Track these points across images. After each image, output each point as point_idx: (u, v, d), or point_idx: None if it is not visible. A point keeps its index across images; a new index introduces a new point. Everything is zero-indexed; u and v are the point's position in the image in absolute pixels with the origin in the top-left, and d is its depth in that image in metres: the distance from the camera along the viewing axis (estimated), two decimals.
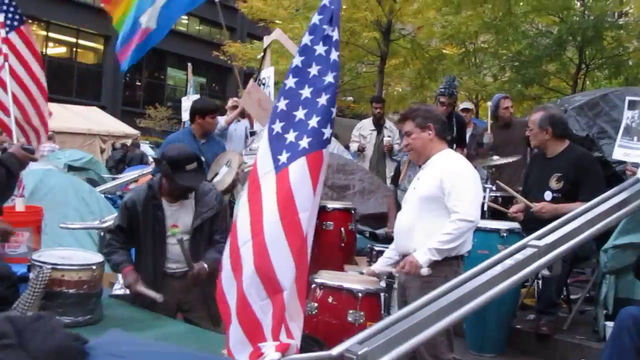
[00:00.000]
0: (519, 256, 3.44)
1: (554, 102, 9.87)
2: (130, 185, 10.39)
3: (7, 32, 5.88)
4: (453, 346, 3.88)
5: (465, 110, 9.46)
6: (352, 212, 6.16)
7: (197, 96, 14.92)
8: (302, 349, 3.03)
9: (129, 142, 17.46)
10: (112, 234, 4.34)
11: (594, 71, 15.82)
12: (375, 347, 2.82)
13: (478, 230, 4.27)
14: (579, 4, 15.20)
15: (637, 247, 4.45)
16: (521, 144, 7.05)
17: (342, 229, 5.94)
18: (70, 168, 12.42)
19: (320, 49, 3.02)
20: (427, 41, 16.41)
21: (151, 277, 4.24)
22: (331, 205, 6.06)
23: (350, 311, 3.79)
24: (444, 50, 16.81)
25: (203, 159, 6.24)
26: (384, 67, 15.25)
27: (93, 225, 6.24)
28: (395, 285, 4.55)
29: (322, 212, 5.95)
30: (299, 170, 2.90)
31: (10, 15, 5.87)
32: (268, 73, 7.31)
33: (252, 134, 7.39)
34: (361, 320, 3.78)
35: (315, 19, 3.07)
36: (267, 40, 7.53)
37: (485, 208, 5.61)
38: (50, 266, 3.68)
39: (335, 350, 2.91)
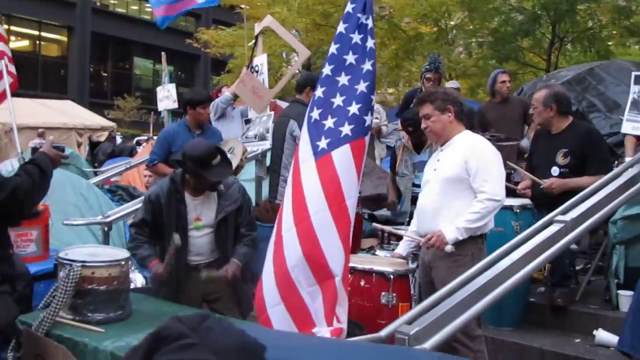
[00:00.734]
0: (547, 232, 3.52)
1: (540, 78, 10.01)
2: (112, 179, 10.29)
3: None
4: (481, 323, 3.98)
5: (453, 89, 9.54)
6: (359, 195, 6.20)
7: (173, 85, 14.77)
8: (347, 334, 3.09)
9: (105, 134, 17.23)
10: (136, 228, 4.32)
11: (567, 45, 16.02)
12: (425, 326, 2.88)
13: None
14: None
15: None
16: (518, 121, 7.16)
17: None
18: None
19: (355, 37, 3.07)
20: (401, 20, 16.42)
21: (175, 269, 4.26)
22: None
23: (383, 293, 3.86)
24: (420, 30, 16.85)
25: None
26: None
27: (96, 221, 6.20)
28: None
29: None
30: (344, 157, 2.95)
31: None
32: (261, 60, 7.29)
33: (247, 121, 7.37)
34: (394, 302, 3.86)
35: (349, 7, 3.11)
36: (258, 27, 7.49)
37: None
38: (80, 264, 3.67)
39: (384, 332, 2.96)
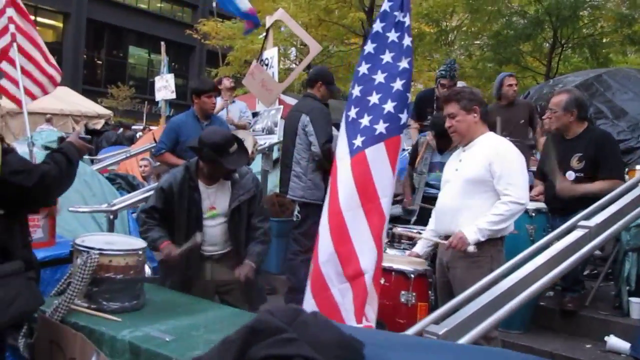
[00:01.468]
0: (572, 237, 3.51)
1: (546, 82, 10.02)
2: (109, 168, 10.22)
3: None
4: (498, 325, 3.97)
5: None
6: None
7: (171, 75, 14.69)
8: None
9: (101, 122, 17.11)
10: (146, 214, 4.27)
11: (567, 51, 16.08)
12: (453, 327, 2.86)
13: None
14: None
15: None
16: (523, 124, 7.16)
17: None
18: (47, 150, 12.12)
19: (392, 35, 3.05)
20: None
21: (187, 259, 4.22)
22: None
23: (403, 292, 3.84)
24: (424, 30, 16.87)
25: None
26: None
27: (102, 209, 6.14)
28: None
29: None
30: (378, 155, 2.93)
31: None
32: (271, 53, 7.26)
33: (255, 114, 7.33)
34: (413, 301, 3.84)
35: (386, 5, 3.09)
36: (269, 20, 7.45)
37: None
38: (97, 251, 3.63)
39: (411, 331, 2.94)
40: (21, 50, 6.08)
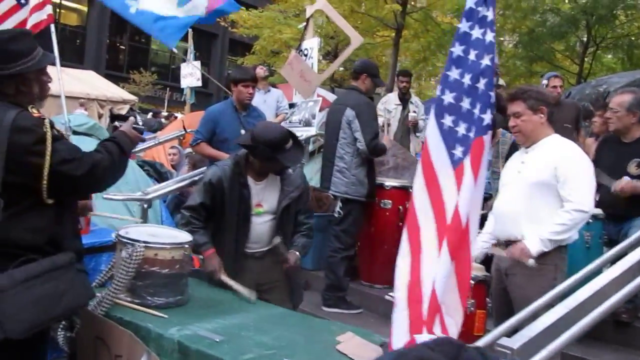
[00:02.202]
0: None
1: (588, 83, 9.78)
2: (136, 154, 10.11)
3: None
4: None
5: (498, 86, 9.28)
6: (410, 189, 6.03)
7: (198, 63, 14.59)
8: None
9: (126, 107, 17.03)
10: (193, 212, 4.06)
11: (601, 51, 15.78)
12: (528, 341, 2.70)
13: None
14: None
15: None
16: (570, 125, 6.93)
17: (400, 207, 5.82)
18: (74, 133, 12.03)
19: (476, 32, 2.87)
20: (436, 13, 16.24)
21: (232, 257, 4.07)
22: (389, 183, 5.93)
23: None
24: (457, 25, 16.63)
25: (243, 131, 6.07)
26: (399, 40, 15.03)
27: (136, 197, 6.03)
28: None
29: (380, 189, 5.82)
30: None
31: None
32: (311, 44, 7.08)
33: (292, 105, 7.17)
34: (472, 309, 3.67)
35: (470, 2, 2.90)
36: (309, 9, 7.27)
37: None
38: (143, 244, 3.49)
39: (481, 343, 2.80)
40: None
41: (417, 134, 9.57)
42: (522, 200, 3.74)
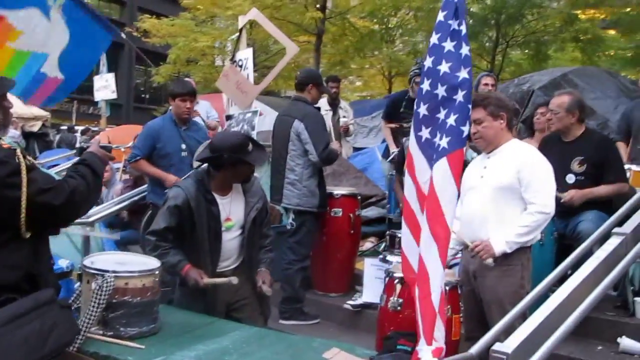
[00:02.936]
0: (610, 246, 3.48)
1: (511, 81, 10.11)
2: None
3: None
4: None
5: None
6: (358, 197, 6.08)
7: (112, 75, 14.15)
8: None
9: (38, 124, 16.33)
10: (158, 236, 3.93)
11: (510, 48, 16.40)
12: (520, 344, 2.76)
13: None
14: None
15: None
16: None
17: (351, 215, 5.86)
18: None
19: (448, 45, 2.92)
20: (353, 17, 16.45)
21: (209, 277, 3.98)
22: (338, 191, 5.95)
23: None
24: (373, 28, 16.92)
25: (184, 146, 5.96)
26: (320, 45, 15.11)
27: (79, 221, 5.79)
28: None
29: (330, 198, 5.84)
30: (441, 171, 2.80)
31: None
32: (245, 55, 6.98)
33: (229, 117, 7.06)
34: (448, 314, 3.72)
35: (440, 16, 2.97)
36: (242, 20, 7.17)
37: None
38: (112, 274, 3.37)
39: (474, 350, 2.85)
40: None
41: (347, 139, 9.66)
42: (488, 204, 3.83)
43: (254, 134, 6.67)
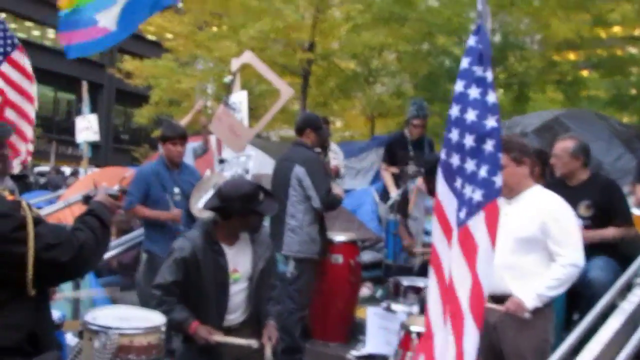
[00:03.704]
0: (635, 298, 3.38)
1: (502, 124, 10.09)
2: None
3: None
4: None
5: None
6: (358, 243, 5.95)
7: (94, 116, 13.95)
8: None
9: (17, 166, 16.04)
10: (164, 291, 3.77)
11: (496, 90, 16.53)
12: None
13: None
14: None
15: None
16: None
17: (351, 261, 5.72)
18: None
19: (474, 92, 2.81)
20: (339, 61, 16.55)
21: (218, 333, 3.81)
22: (338, 238, 5.81)
23: None
24: (357, 69, 17.00)
25: (177, 190, 5.83)
26: (307, 87, 15.11)
27: None
28: None
29: (330, 245, 5.70)
30: (479, 225, 2.68)
31: (1, 42, 5.26)
32: (240, 97, 6.90)
33: (222, 161, 6.94)
34: None
35: (464, 62, 2.86)
36: (236, 63, 7.09)
37: None
38: (116, 331, 3.20)
39: None
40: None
41: (338, 181, 9.55)
42: (510, 255, 3.69)
43: (248, 177, 6.55)
